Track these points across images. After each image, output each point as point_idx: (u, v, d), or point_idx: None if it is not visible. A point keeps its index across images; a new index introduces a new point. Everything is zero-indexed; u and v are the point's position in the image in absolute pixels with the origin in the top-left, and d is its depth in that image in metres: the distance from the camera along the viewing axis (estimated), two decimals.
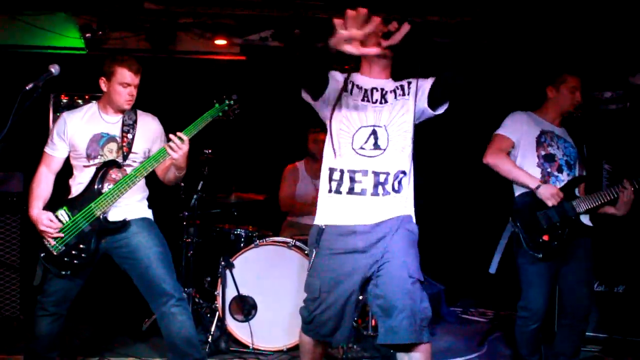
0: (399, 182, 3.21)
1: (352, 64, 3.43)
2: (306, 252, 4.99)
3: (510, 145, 4.19)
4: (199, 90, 6.60)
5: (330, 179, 3.25)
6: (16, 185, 5.47)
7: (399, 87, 3.30)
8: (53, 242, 3.68)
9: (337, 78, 3.26)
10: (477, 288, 6.74)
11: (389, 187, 3.19)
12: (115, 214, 3.74)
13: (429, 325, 3.10)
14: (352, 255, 3.16)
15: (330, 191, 3.25)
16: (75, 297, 3.93)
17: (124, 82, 3.73)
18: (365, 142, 3.20)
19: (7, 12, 6.56)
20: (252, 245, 4.97)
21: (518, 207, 4.15)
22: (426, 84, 3.22)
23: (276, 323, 4.82)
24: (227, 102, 3.83)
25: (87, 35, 6.61)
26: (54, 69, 3.42)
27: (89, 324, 5.52)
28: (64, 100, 6.54)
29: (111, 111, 3.84)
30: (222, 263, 4.91)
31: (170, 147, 3.57)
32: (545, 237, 4.01)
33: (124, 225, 3.74)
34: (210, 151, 5.26)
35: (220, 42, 6.84)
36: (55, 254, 3.68)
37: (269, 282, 4.86)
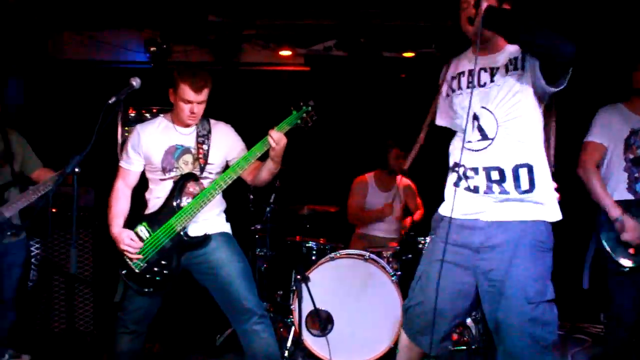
0: (527, 180, 2.82)
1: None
2: (382, 264, 4.89)
3: (602, 152, 3.98)
4: (264, 102, 6.57)
5: (452, 171, 3.04)
6: (88, 200, 5.49)
7: (513, 60, 2.86)
8: (135, 259, 3.63)
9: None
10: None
11: (508, 185, 2.84)
12: (194, 229, 3.67)
13: (553, 348, 2.85)
14: (462, 251, 2.95)
15: (452, 184, 3.02)
16: None
17: (185, 99, 3.61)
18: (472, 133, 2.92)
19: (73, 28, 6.64)
20: (328, 258, 4.88)
21: (603, 219, 3.95)
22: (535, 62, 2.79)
23: (353, 337, 4.71)
24: (304, 108, 3.73)
25: (152, 49, 6.64)
26: (135, 82, 3.38)
27: (162, 341, 5.48)
28: (132, 115, 6.57)
29: (181, 124, 3.77)
30: (297, 276, 4.82)
31: (272, 139, 3.50)
32: (631, 251, 3.81)
33: (204, 240, 3.66)
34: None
35: (285, 53, 6.80)
36: (137, 271, 3.62)
37: (345, 296, 4.76)
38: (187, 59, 6.77)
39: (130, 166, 3.78)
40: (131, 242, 3.60)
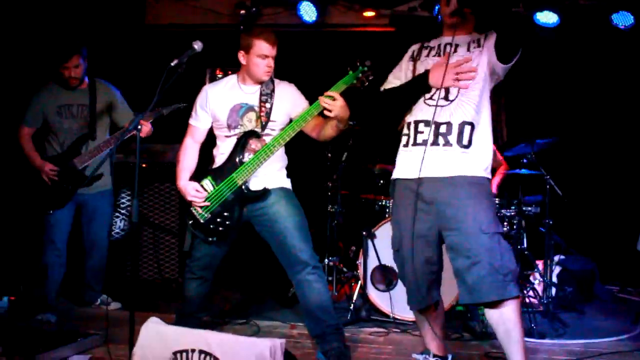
0: (467, 136, 3.17)
1: None
2: None
3: None
4: (349, 63, 6.66)
5: (402, 135, 3.37)
6: (175, 156, 5.78)
7: (475, 40, 3.29)
8: (200, 210, 3.88)
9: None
10: (637, 265, 6.37)
11: (452, 138, 3.17)
12: (255, 183, 3.87)
13: (516, 279, 3.10)
14: (419, 205, 3.20)
15: (402, 146, 3.36)
16: (227, 266, 4.15)
17: (262, 54, 3.82)
18: (434, 92, 3.23)
19: None
20: None
21: None
22: (494, 36, 3.21)
23: None
24: (360, 68, 3.82)
25: (242, 12, 6.88)
26: (197, 45, 3.59)
27: (240, 291, 5.80)
28: (219, 76, 6.84)
29: (249, 82, 3.95)
30: (364, 233, 4.97)
31: (325, 107, 3.62)
32: None
33: (264, 193, 3.86)
34: (354, 123, 5.32)
35: (369, 14, 6.86)
36: (202, 221, 3.88)
37: None
38: (275, 22, 6.96)
39: (198, 123, 4.03)
40: (197, 193, 3.86)
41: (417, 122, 3.28)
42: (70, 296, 5.27)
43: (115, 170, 5.64)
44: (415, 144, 3.26)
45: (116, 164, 5.69)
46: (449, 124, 3.18)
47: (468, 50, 3.27)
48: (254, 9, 6.89)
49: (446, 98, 3.23)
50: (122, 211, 5.74)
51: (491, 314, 3.10)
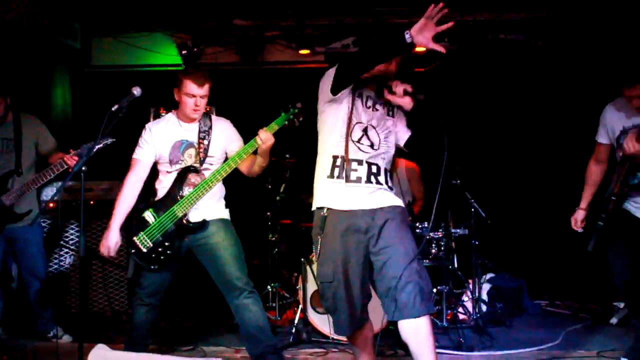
0: (390, 180, 3.61)
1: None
2: None
3: (607, 149, 4.38)
4: (286, 98, 7.01)
5: (334, 165, 3.52)
6: None
7: (390, 106, 3.66)
8: (143, 240, 4.10)
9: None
10: (566, 280, 6.78)
11: (381, 179, 3.55)
12: (195, 215, 4.14)
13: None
14: (355, 235, 3.47)
15: (331, 177, 3.52)
16: (177, 292, 4.33)
17: (190, 93, 4.09)
18: (361, 137, 3.54)
19: (110, 34, 7.26)
20: None
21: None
22: (403, 127, 3.68)
23: None
24: (292, 110, 4.17)
25: (184, 52, 7.18)
26: (136, 91, 3.82)
27: (188, 317, 6.03)
28: (163, 114, 7.07)
29: (187, 119, 4.24)
30: (302, 260, 5.26)
31: (260, 138, 4.00)
32: None
33: (203, 225, 4.14)
34: (289, 155, 5.65)
35: (305, 51, 7.23)
36: (144, 250, 4.11)
37: None
38: (215, 60, 7.30)
39: (142, 156, 4.21)
40: (108, 252, 4.19)
41: (350, 160, 3.49)
42: (22, 330, 5.42)
43: (65, 207, 5.86)
44: (348, 180, 3.49)
45: (65, 202, 5.89)
46: (378, 166, 3.55)
47: (384, 109, 3.66)
48: (195, 49, 7.20)
49: (371, 144, 3.54)
50: (71, 246, 5.93)
51: (407, 326, 3.33)
